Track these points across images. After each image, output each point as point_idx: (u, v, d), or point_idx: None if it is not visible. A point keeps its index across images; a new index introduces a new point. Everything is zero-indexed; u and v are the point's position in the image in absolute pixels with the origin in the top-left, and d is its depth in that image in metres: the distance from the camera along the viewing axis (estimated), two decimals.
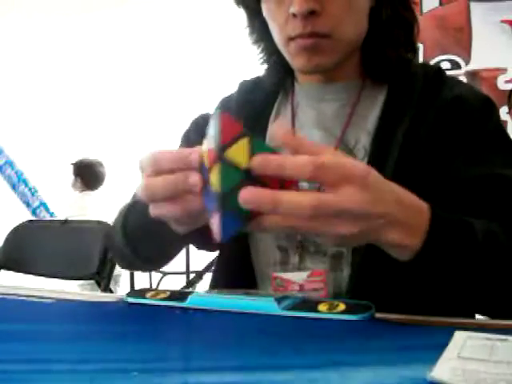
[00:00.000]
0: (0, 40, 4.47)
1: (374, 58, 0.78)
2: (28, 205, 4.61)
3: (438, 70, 0.80)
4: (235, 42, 0.83)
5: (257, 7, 0.77)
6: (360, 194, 0.49)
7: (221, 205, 0.47)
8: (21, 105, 4.50)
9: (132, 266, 0.85)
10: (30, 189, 4.63)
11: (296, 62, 0.74)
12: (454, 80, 0.80)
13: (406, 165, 0.72)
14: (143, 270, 0.91)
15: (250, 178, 0.47)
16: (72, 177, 3.58)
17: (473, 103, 0.76)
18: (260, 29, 0.80)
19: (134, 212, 0.75)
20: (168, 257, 0.80)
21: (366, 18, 0.75)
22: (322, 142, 0.78)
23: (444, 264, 0.57)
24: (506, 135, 0.76)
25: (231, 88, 0.92)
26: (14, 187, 4.63)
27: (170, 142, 0.91)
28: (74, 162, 3.58)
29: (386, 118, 0.75)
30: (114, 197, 3.41)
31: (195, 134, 0.88)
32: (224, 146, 0.47)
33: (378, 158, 0.73)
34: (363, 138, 0.76)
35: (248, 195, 0.46)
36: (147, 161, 0.54)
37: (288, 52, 0.75)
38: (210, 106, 0.90)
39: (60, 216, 3.42)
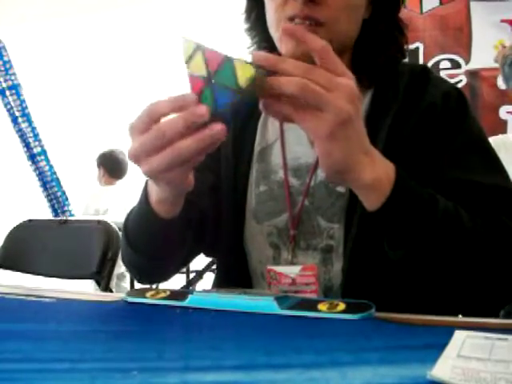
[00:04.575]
0: (15, 42, 4.50)
1: (363, 63, 0.79)
2: (54, 210, 4.52)
3: (424, 69, 0.81)
4: (234, 43, 0.83)
5: None
6: (353, 83, 0.55)
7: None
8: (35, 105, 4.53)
9: (142, 273, 0.84)
10: (62, 193, 4.52)
11: (285, 44, 0.74)
12: (438, 79, 0.81)
13: (391, 158, 0.72)
14: (154, 277, 0.90)
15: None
16: (96, 170, 3.62)
17: (451, 104, 0.76)
18: (256, 15, 0.81)
19: (133, 212, 0.76)
20: (172, 254, 0.79)
21: (359, 21, 0.76)
22: (309, 139, 0.79)
23: (406, 223, 0.61)
24: (479, 131, 0.77)
25: None
26: (44, 185, 4.53)
27: None
28: (96, 157, 3.63)
29: (373, 114, 0.77)
30: (138, 189, 3.45)
31: None
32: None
33: None
34: None
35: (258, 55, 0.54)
36: (142, 115, 0.56)
37: (279, 35, 0.75)
38: None
39: (90, 209, 3.44)
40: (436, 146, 0.73)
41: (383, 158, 0.61)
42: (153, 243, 0.74)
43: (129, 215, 0.77)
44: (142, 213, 0.71)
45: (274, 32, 0.76)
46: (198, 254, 0.87)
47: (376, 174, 0.59)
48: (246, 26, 0.85)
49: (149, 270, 0.82)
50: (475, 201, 0.68)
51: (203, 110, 0.53)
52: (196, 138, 0.54)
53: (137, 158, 0.57)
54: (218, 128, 0.53)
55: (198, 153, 0.56)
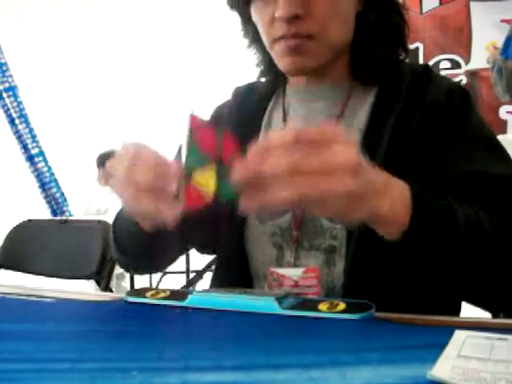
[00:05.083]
0: (13, 40, 4.49)
1: (362, 61, 0.79)
2: (53, 210, 4.50)
3: (425, 68, 0.80)
4: (237, 40, 0.84)
5: (247, 11, 0.78)
6: (346, 148, 0.50)
7: (186, 174, 0.50)
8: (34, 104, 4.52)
9: (134, 269, 0.88)
10: (61, 194, 4.50)
11: (281, 63, 0.76)
12: (440, 77, 0.80)
13: (393, 160, 0.72)
14: (145, 272, 0.93)
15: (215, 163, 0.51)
16: (96, 170, 3.62)
17: (455, 101, 0.76)
18: (253, 32, 0.81)
19: (119, 218, 0.77)
20: (162, 257, 0.80)
21: (351, 21, 0.76)
22: None
23: (428, 246, 0.59)
24: (485, 127, 0.77)
25: (232, 86, 0.93)
26: (42, 186, 4.50)
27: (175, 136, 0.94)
28: (96, 157, 3.63)
29: (376, 116, 0.77)
30: None
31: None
32: (194, 130, 0.52)
33: (368, 152, 0.74)
34: (354, 135, 0.77)
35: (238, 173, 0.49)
36: (130, 148, 0.58)
37: (274, 53, 0.76)
38: (208, 109, 0.93)
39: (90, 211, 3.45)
40: (442, 143, 0.73)
41: (394, 180, 0.57)
42: (141, 250, 0.75)
43: (116, 220, 0.78)
44: (129, 224, 0.71)
45: (270, 50, 0.77)
46: (191, 248, 0.89)
47: (391, 204, 0.55)
48: (245, 41, 0.85)
49: (140, 267, 0.85)
50: (484, 192, 0.67)
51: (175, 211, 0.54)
52: (159, 207, 0.55)
53: (113, 181, 0.59)
54: (174, 217, 0.54)
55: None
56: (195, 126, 0.52)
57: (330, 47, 0.74)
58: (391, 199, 0.55)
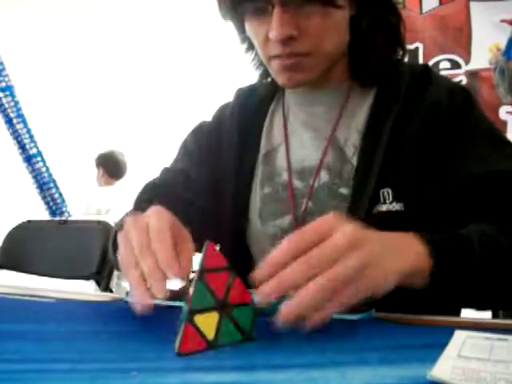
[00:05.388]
0: (12, 38, 4.49)
1: (359, 63, 0.79)
2: (51, 211, 4.48)
3: (425, 68, 0.80)
4: (238, 41, 0.84)
5: (242, 24, 0.77)
6: (347, 228, 0.49)
7: (186, 318, 0.47)
8: (33, 104, 4.51)
9: None
10: (59, 195, 4.48)
11: (279, 79, 0.76)
12: (439, 77, 0.80)
13: (392, 161, 0.72)
14: None
15: (221, 306, 0.49)
16: (95, 171, 3.61)
17: (457, 101, 0.75)
18: (250, 40, 0.80)
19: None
20: None
21: (345, 29, 0.75)
22: (312, 143, 0.80)
23: (451, 284, 0.58)
24: (490, 123, 0.76)
25: (234, 87, 0.93)
26: (40, 186, 4.48)
27: (177, 137, 0.94)
28: (95, 157, 3.62)
29: (375, 116, 0.77)
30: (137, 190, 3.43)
31: (194, 145, 0.90)
32: (205, 269, 0.49)
33: (367, 154, 0.75)
34: (353, 136, 0.77)
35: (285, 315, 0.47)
36: (141, 233, 0.55)
37: (270, 69, 0.76)
38: (211, 110, 0.93)
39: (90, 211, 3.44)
40: (446, 144, 0.72)
41: (405, 238, 0.56)
42: None
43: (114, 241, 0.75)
44: None
45: (266, 65, 0.77)
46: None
47: (410, 263, 0.54)
48: (243, 47, 0.85)
49: None
50: (500, 190, 0.67)
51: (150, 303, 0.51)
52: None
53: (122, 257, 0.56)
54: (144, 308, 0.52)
55: None
56: (210, 254, 0.50)
57: (326, 59, 0.74)
58: (408, 259, 0.54)
